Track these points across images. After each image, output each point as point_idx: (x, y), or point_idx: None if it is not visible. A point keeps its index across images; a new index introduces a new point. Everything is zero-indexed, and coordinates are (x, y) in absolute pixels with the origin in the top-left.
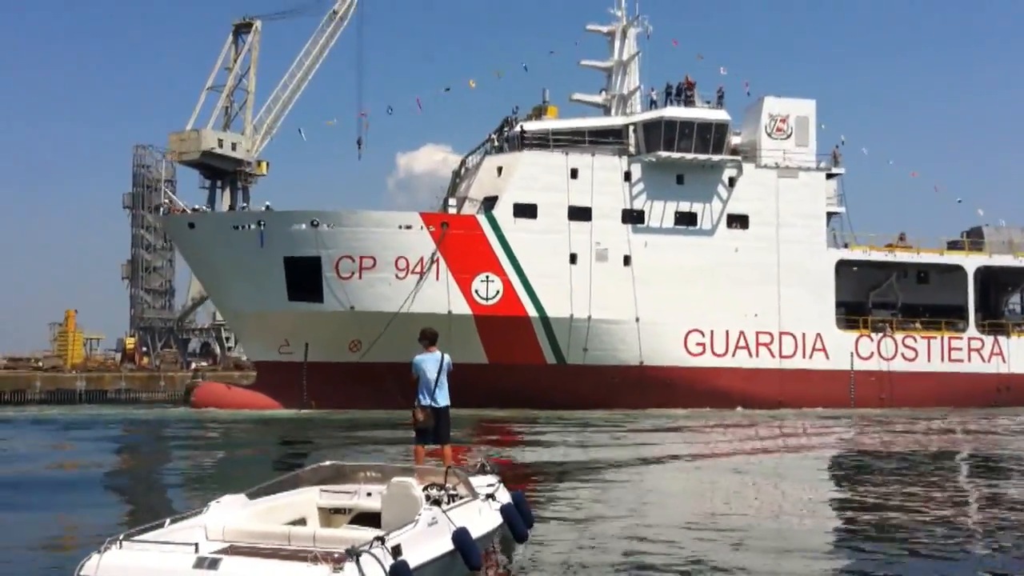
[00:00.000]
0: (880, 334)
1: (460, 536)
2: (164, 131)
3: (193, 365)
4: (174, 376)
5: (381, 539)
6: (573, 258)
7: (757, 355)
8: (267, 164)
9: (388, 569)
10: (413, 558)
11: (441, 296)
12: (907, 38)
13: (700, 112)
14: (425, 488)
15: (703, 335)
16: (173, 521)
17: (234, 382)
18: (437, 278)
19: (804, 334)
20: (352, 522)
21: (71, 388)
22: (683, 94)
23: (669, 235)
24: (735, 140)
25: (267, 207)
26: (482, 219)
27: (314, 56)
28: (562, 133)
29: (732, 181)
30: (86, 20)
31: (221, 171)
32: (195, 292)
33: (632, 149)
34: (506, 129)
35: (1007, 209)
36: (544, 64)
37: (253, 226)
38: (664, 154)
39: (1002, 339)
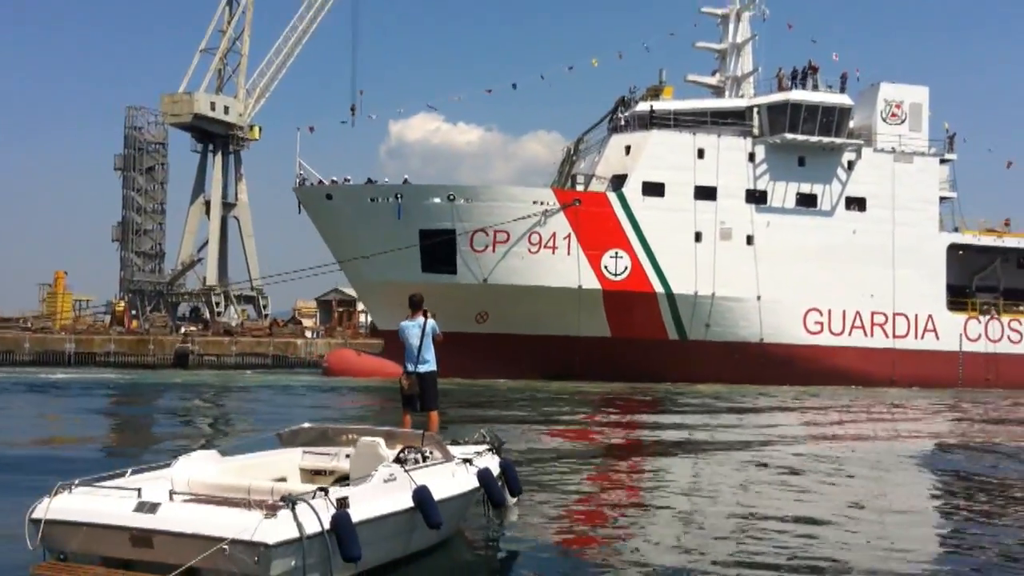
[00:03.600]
0: (987, 316)
1: (420, 494)
2: (156, 93)
3: (183, 329)
4: (163, 340)
5: (325, 490)
6: (698, 236)
7: (871, 335)
8: (259, 128)
9: (329, 519)
10: (361, 512)
11: (572, 271)
12: (1009, 27)
13: (825, 96)
14: (401, 451)
15: (821, 314)
16: (135, 472)
17: (362, 350)
18: (568, 253)
19: (916, 315)
20: (334, 484)
21: (60, 350)
22: (807, 78)
23: (790, 215)
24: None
25: (405, 180)
26: (612, 197)
27: (308, 20)
28: (686, 113)
29: (851, 164)
30: None
31: (213, 134)
32: (185, 256)
33: (756, 131)
34: (621, 109)
35: None
36: (656, 45)
37: (391, 199)
38: (789, 136)
39: None
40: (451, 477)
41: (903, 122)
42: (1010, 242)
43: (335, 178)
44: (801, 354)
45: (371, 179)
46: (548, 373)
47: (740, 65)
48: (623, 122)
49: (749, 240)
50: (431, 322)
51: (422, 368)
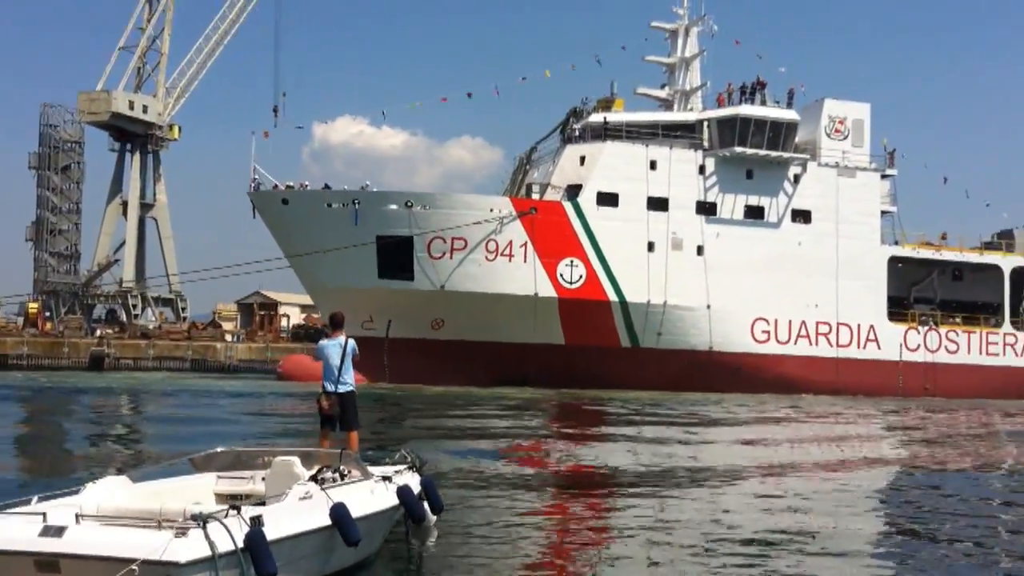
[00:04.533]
0: (926, 327)
1: (338, 511)
2: (74, 91)
3: (98, 332)
4: (78, 343)
5: (237, 508)
6: (651, 246)
7: (816, 344)
8: (179, 128)
9: (243, 537)
10: (276, 530)
11: (528, 279)
12: (947, 48)
13: (773, 111)
14: (318, 471)
15: (768, 323)
16: (42, 499)
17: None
18: (525, 261)
19: (859, 325)
20: None
21: None
22: (755, 93)
23: (739, 227)
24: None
25: (365, 186)
26: (568, 206)
27: (231, 20)
28: (638, 125)
29: (797, 178)
30: None
31: (131, 134)
32: (101, 257)
33: (706, 143)
34: (573, 120)
35: (1021, 210)
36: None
37: (348, 205)
38: (738, 149)
39: None
40: (370, 494)
41: (846, 138)
42: (947, 255)
43: (291, 183)
44: (749, 362)
45: (328, 185)
46: (501, 380)
47: (688, 79)
48: (577, 133)
49: (699, 250)
50: (352, 342)
51: (342, 388)
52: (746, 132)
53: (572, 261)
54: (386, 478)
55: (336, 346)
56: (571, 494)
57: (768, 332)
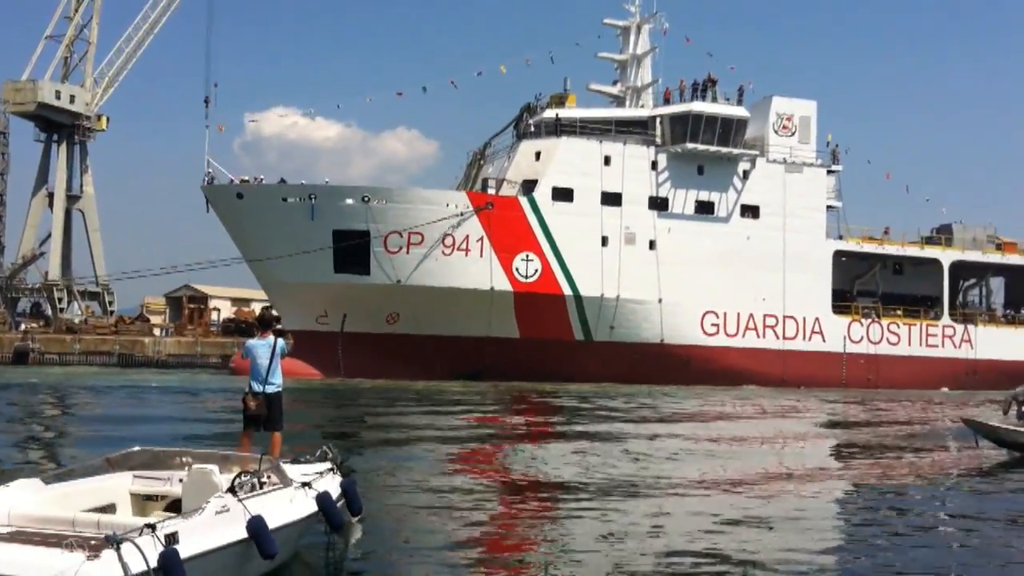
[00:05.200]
0: (868, 320)
1: (255, 524)
2: None
3: (23, 326)
4: (1, 337)
5: (152, 526)
6: (604, 241)
7: (763, 336)
8: (107, 119)
9: (156, 557)
10: (191, 547)
11: (484, 273)
12: (890, 47)
13: (724, 108)
14: (237, 476)
15: (717, 316)
16: None
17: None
18: (481, 255)
19: (804, 318)
20: (167, 510)
21: None
22: (706, 90)
23: (690, 221)
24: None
25: (326, 182)
26: (523, 201)
27: (161, 9)
28: (592, 121)
29: (746, 174)
30: None
31: (58, 124)
32: (26, 250)
33: (658, 140)
34: (527, 115)
35: (959, 205)
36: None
37: (304, 199)
38: (691, 145)
39: (971, 327)
40: (288, 503)
41: (793, 134)
42: (889, 249)
43: (246, 177)
44: (698, 355)
45: (283, 179)
46: (455, 373)
47: (640, 76)
48: (531, 128)
49: (651, 245)
50: (281, 342)
51: (269, 389)
52: (697, 128)
53: (527, 255)
54: (306, 484)
55: (265, 346)
56: (505, 499)
57: (717, 325)
